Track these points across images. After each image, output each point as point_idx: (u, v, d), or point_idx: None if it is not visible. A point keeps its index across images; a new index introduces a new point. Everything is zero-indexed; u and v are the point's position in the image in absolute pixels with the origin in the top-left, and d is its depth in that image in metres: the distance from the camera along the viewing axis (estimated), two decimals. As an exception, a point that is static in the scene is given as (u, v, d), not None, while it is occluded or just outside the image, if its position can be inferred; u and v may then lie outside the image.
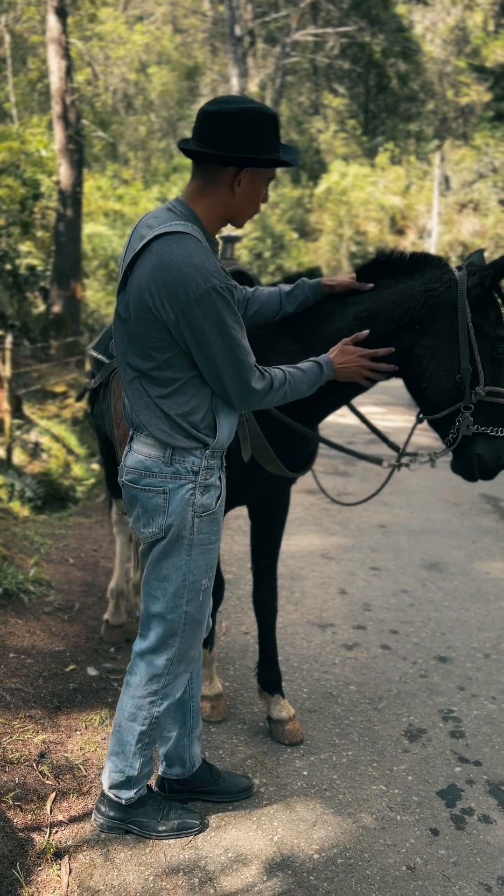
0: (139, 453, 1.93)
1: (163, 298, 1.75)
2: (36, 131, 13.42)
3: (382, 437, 2.49)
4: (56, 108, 11.57)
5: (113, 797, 2.13)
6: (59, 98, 11.52)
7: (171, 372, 1.84)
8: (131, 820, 2.13)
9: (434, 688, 3.09)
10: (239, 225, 1.96)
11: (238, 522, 4.98)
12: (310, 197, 26.61)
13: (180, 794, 2.30)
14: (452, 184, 26.92)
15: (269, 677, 2.74)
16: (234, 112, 1.78)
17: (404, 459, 2.38)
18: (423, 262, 2.25)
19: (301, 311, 2.30)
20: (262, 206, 2.06)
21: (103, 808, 2.15)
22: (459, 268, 2.25)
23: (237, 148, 1.77)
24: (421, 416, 2.31)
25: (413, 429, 2.39)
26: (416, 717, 2.86)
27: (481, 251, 2.34)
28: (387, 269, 2.26)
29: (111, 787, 2.12)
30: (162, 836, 2.11)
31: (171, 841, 2.14)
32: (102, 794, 2.16)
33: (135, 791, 2.12)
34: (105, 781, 2.14)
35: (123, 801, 2.12)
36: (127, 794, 2.12)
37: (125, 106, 26.57)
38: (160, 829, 2.12)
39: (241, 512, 5.02)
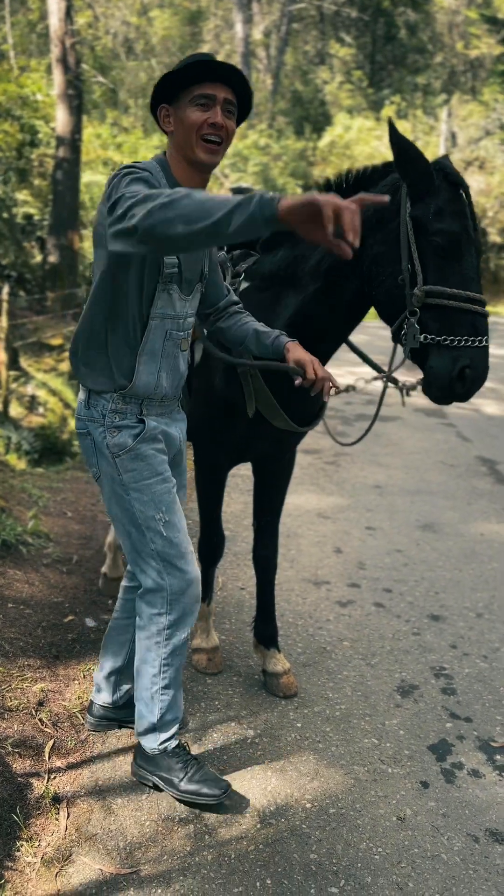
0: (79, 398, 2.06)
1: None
2: (34, 75, 13.04)
3: (369, 361, 2.41)
4: (55, 52, 11.21)
5: (142, 745, 2.16)
6: (58, 41, 11.16)
7: (102, 296, 1.88)
8: (157, 773, 2.14)
9: (426, 645, 3.13)
10: (200, 160, 1.88)
11: (235, 481, 4.98)
12: (313, 150, 26.06)
13: (105, 721, 2.39)
14: (459, 140, 26.36)
15: (266, 632, 2.77)
16: None
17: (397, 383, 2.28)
18: (387, 170, 2.12)
19: (295, 245, 2.25)
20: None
21: (137, 758, 2.19)
22: None
23: (153, 98, 1.92)
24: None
25: (394, 349, 2.17)
26: (409, 673, 2.91)
27: (446, 156, 2.13)
28: (363, 184, 2.16)
29: (138, 734, 2.16)
30: (182, 797, 2.09)
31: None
32: (138, 743, 2.20)
33: (159, 743, 2.13)
34: (135, 727, 2.17)
35: (148, 751, 2.14)
36: (151, 744, 2.13)
37: (126, 51, 25.81)
38: (180, 787, 2.10)
39: (237, 471, 5.02)
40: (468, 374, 1.97)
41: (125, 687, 2.38)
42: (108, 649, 2.36)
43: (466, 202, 2.01)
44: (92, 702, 2.41)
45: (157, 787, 2.16)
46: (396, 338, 2.09)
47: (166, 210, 1.49)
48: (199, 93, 1.83)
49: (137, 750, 2.20)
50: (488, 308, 2.03)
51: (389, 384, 2.31)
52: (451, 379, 1.97)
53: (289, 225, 1.41)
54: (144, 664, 2.10)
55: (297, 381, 2.02)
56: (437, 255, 1.97)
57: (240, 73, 1.86)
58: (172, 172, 1.91)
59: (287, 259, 2.28)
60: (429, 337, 1.98)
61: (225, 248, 2.50)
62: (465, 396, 2.01)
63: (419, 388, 2.17)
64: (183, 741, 2.24)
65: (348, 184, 2.20)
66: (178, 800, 2.12)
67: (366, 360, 2.45)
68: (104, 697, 2.38)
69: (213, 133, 1.84)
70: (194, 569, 2.05)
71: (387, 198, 1.49)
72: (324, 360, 2.35)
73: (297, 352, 2.05)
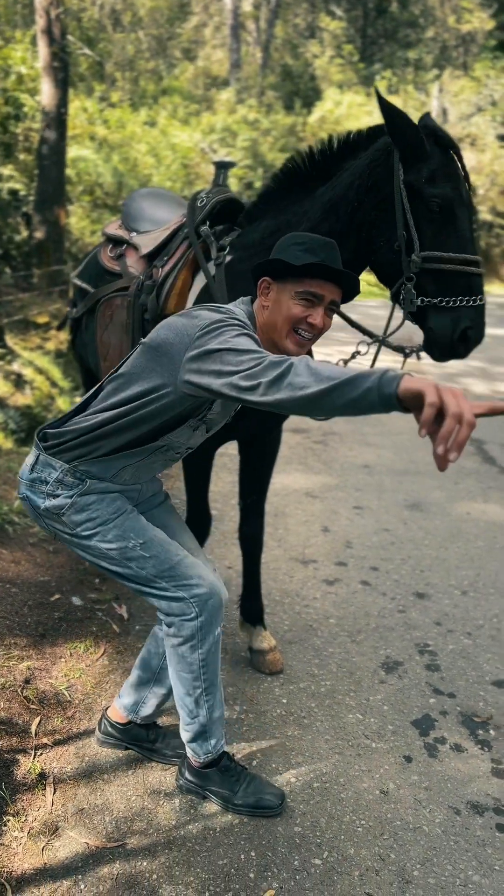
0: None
1: None
2: (19, 47, 12.77)
3: (360, 328, 2.39)
4: (40, 22, 10.96)
5: (192, 758, 2.08)
6: (42, 11, 10.92)
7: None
8: (209, 788, 2.07)
9: (411, 622, 3.16)
10: (286, 350, 1.80)
11: (222, 460, 4.98)
12: (303, 125, 25.76)
13: (113, 739, 2.25)
14: (450, 116, 26.13)
15: (252, 609, 2.79)
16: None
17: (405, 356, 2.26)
18: (377, 133, 2.12)
19: (279, 214, 2.23)
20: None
21: (184, 771, 2.12)
22: None
23: (257, 266, 1.81)
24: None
25: (392, 312, 2.24)
26: (394, 650, 2.94)
27: (428, 113, 2.15)
28: (349, 150, 2.16)
29: (187, 742, 2.06)
30: (239, 811, 2.04)
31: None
32: (184, 758, 2.13)
33: (213, 747, 2.04)
34: (183, 736, 2.07)
35: (201, 760, 2.06)
36: (203, 750, 2.04)
37: (113, 22, 25.34)
38: (237, 801, 2.04)
39: (224, 450, 5.02)
40: (471, 335, 2.04)
41: (149, 702, 2.21)
42: (139, 665, 2.22)
43: (458, 163, 2.04)
44: (103, 715, 2.28)
45: (206, 799, 2.09)
46: (396, 299, 2.13)
47: (290, 379, 1.43)
48: (308, 289, 1.76)
49: (184, 765, 2.13)
50: None
51: (396, 352, 2.34)
52: (453, 341, 2.04)
53: (408, 408, 1.30)
54: (182, 672, 1.98)
55: None
56: (433, 219, 2.00)
57: (356, 281, 1.79)
58: (257, 335, 1.82)
59: (272, 228, 2.26)
60: (426, 300, 2.03)
61: (208, 223, 2.48)
62: (465, 354, 2.09)
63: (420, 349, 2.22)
64: (231, 752, 2.14)
65: (332, 150, 2.18)
66: (233, 811, 2.05)
67: (358, 327, 2.43)
68: (125, 702, 2.23)
69: (308, 331, 1.78)
70: (200, 569, 1.93)
71: None
72: None
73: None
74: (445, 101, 26.63)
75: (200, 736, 2.04)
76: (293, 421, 6.15)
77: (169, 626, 1.96)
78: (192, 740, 2.05)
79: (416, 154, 2.01)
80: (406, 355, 2.29)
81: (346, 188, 2.11)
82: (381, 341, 2.30)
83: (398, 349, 2.31)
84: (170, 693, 2.19)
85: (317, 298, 1.77)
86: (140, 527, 1.91)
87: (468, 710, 2.58)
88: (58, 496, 1.86)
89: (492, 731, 2.48)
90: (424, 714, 2.55)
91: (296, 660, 2.81)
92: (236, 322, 1.67)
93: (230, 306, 1.83)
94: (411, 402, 1.28)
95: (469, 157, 22.72)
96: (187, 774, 2.11)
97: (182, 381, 1.67)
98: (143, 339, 1.83)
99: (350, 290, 1.84)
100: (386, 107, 1.98)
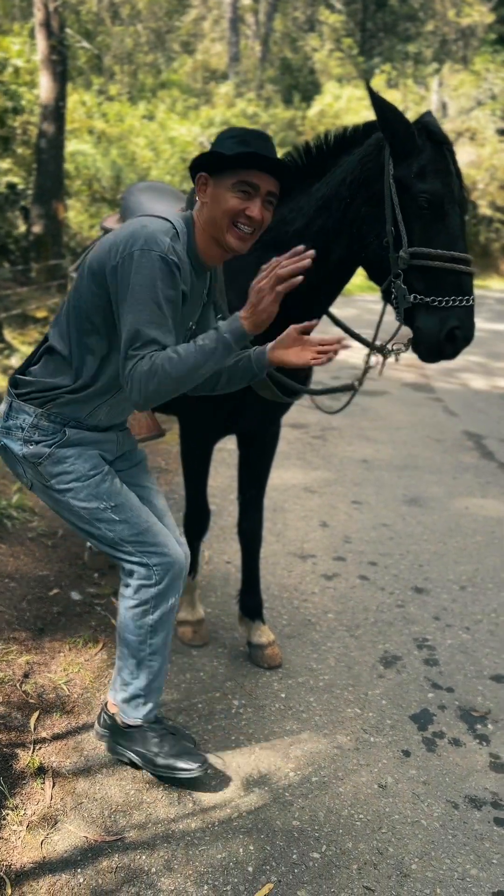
0: None
1: None
2: (17, 40, 12.71)
3: (353, 334, 2.35)
4: (38, 15, 10.91)
5: (119, 717, 2.10)
6: (41, 4, 10.86)
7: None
8: (133, 748, 2.09)
9: (410, 617, 3.17)
10: (229, 246, 1.80)
11: (221, 455, 4.98)
12: (302, 119, 25.70)
13: (111, 739, 2.19)
14: (450, 111, 26.06)
15: (251, 604, 2.79)
16: None
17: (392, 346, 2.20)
18: (373, 128, 2.10)
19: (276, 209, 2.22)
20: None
21: (104, 720, 2.14)
22: None
23: (194, 161, 1.81)
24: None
25: (382, 313, 2.21)
26: (392, 644, 2.94)
27: (429, 112, 2.12)
28: (344, 145, 2.14)
29: (121, 702, 2.08)
30: (158, 771, 2.07)
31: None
32: (103, 709, 2.16)
33: (144, 714, 2.08)
34: (116, 696, 2.10)
35: (129, 722, 2.08)
36: (135, 714, 2.07)
37: (111, 15, 25.25)
38: (158, 762, 2.06)
39: (223, 445, 5.02)
40: (458, 335, 2.01)
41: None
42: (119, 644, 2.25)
43: (450, 159, 2.02)
44: (102, 709, 2.25)
45: (132, 764, 2.12)
46: (387, 297, 2.11)
47: (162, 376, 1.65)
48: (244, 179, 1.75)
49: (105, 715, 2.15)
50: (477, 282, 2.03)
51: (381, 353, 2.29)
52: (440, 340, 2.02)
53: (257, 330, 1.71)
54: (129, 634, 2.02)
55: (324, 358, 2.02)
56: (421, 215, 1.98)
57: (290, 169, 1.79)
58: (196, 239, 1.83)
59: (269, 223, 2.24)
60: (418, 297, 2.01)
61: None
62: (452, 355, 2.07)
63: (407, 349, 2.18)
64: (161, 713, 2.16)
65: (328, 146, 2.17)
66: (154, 775, 2.10)
67: (351, 333, 2.42)
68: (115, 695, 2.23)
69: (247, 224, 1.78)
70: (166, 538, 1.98)
71: (307, 262, 1.67)
72: (327, 306, 2.32)
73: (282, 346, 1.95)
74: (445, 95, 26.56)
75: (135, 699, 2.07)
76: (292, 416, 6.15)
77: (126, 586, 2.00)
78: (126, 701, 2.08)
79: (407, 149, 1.99)
80: (384, 355, 2.24)
81: (339, 184, 2.10)
82: (373, 348, 2.27)
83: (380, 349, 2.25)
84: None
85: (253, 189, 1.76)
86: (114, 490, 1.94)
87: (466, 705, 2.59)
88: (37, 443, 1.89)
89: (490, 726, 2.49)
90: (423, 708, 2.55)
91: (294, 654, 2.82)
92: (155, 257, 1.69)
93: (167, 215, 1.81)
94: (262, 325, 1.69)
95: (469, 152, 22.65)
96: (109, 730, 2.13)
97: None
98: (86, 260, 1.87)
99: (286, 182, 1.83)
100: (377, 101, 1.97)
